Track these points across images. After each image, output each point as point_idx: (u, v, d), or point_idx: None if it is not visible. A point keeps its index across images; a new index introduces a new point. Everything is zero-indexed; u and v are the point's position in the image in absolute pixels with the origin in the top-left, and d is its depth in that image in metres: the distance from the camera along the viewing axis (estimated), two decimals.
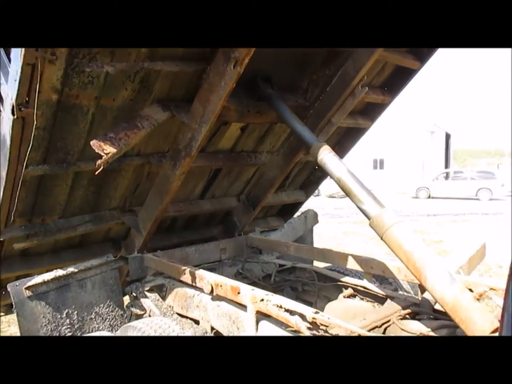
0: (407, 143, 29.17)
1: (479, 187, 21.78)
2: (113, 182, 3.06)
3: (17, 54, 1.96)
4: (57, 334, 2.91)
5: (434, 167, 32.46)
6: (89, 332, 3.04)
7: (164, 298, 3.10)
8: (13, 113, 2.10)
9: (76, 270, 3.00)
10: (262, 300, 2.26)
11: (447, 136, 39.05)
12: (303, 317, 2.07)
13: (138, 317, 3.15)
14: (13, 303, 2.76)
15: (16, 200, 2.51)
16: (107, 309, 3.19)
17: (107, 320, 3.19)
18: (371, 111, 3.87)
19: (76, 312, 3.01)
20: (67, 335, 2.95)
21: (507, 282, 1.03)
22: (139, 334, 2.47)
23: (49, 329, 2.88)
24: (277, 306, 2.17)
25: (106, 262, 3.18)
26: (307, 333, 2.03)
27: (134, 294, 3.27)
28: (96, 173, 2.26)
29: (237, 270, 3.53)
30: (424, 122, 30.33)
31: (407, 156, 29.60)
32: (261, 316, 2.34)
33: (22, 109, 2.08)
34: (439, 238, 10.44)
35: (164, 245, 3.76)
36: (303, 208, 4.77)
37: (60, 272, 2.93)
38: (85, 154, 2.68)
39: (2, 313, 3.73)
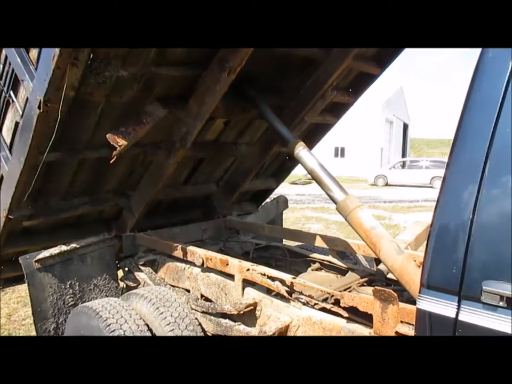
0: (367, 133, 30.21)
1: (433, 175, 23.05)
2: (111, 168, 3.42)
3: (47, 57, 2.31)
4: (62, 302, 3.29)
5: (392, 155, 33.84)
6: (88, 301, 3.43)
7: (156, 271, 3.53)
8: (39, 108, 2.45)
9: (78, 246, 3.37)
10: (248, 269, 2.74)
11: (405, 126, 40.59)
12: (282, 281, 2.57)
13: (131, 288, 3.56)
14: (24, 274, 3.11)
15: (32, 183, 2.86)
16: (104, 281, 3.58)
17: (103, 291, 3.58)
18: (337, 110, 4.38)
19: (77, 283, 3.39)
20: (70, 303, 3.33)
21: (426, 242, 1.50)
22: (142, 300, 2.89)
23: (55, 298, 3.25)
24: (261, 274, 2.66)
25: (103, 239, 3.56)
26: (286, 294, 2.53)
27: (127, 268, 3.69)
28: (111, 161, 2.66)
29: (219, 247, 3.99)
30: (383, 113, 31.46)
31: (366, 145, 30.69)
32: (246, 283, 2.83)
33: (48, 104, 2.44)
34: (394, 222, 11.26)
35: (148, 226, 4.16)
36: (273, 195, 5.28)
37: (64, 248, 3.30)
38: (91, 143, 3.05)
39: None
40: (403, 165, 25.57)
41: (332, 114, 4.40)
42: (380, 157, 31.79)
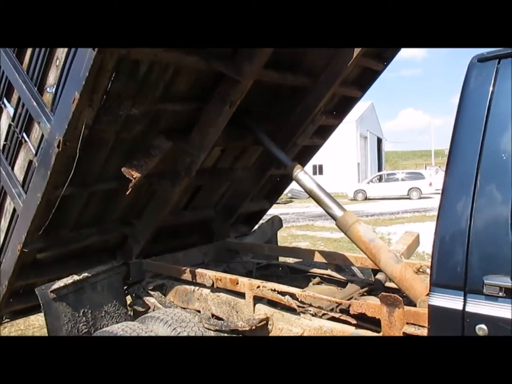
0: (343, 149, 30.90)
1: (410, 187, 23.76)
2: (118, 198, 3.59)
3: (67, 101, 2.51)
4: (76, 330, 3.40)
5: (369, 170, 34.60)
6: (100, 328, 3.55)
7: (165, 295, 3.67)
8: (58, 147, 2.63)
9: (89, 275, 3.50)
10: (258, 286, 2.93)
11: (379, 141, 41.64)
12: (292, 295, 2.77)
13: (139, 313, 3.69)
14: (41, 304, 3.23)
15: (49, 217, 3.00)
16: (114, 308, 3.71)
17: (114, 317, 3.70)
18: (324, 132, 4.66)
19: (90, 311, 3.51)
20: (83, 331, 3.45)
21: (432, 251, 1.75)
22: (158, 322, 3.03)
23: (70, 326, 3.36)
24: (272, 290, 2.86)
25: (112, 267, 3.70)
26: (296, 308, 2.73)
27: (135, 294, 3.83)
28: (127, 193, 2.84)
29: (223, 269, 4.16)
30: (358, 129, 32.28)
31: (343, 161, 31.37)
32: (256, 300, 3.01)
33: (67, 143, 2.62)
34: (379, 236, 11.58)
35: (152, 252, 4.31)
36: None
37: (76, 277, 3.43)
38: (101, 177, 3.23)
39: (7, 319, 4.12)
40: (380, 179, 26.25)
41: (319, 136, 4.67)
42: (357, 171, 32.51)
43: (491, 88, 1.65)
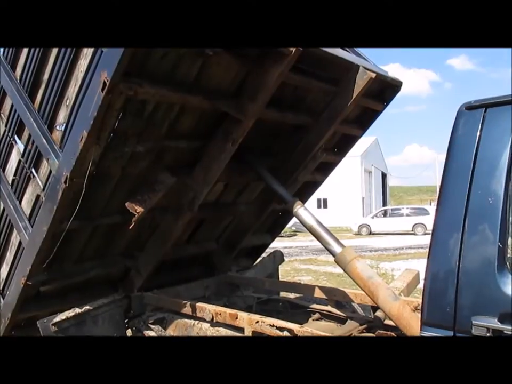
0: (348, 183, 31.03)
1: (415, 222, 23.67)
2: (121, 232, 3.66)
3: (75, 139, 2.62)
4: None
5: (373, 204, 34.60)
6: None
7: (165, 329, 3.68)
8: (65, 183, 2.72)
9: (91, 308, 3.53)
10: (257, 321, 2.95)
11: (383, 176, 41.79)
12: (291, 331, 2.79)
13: None
14: None
15: (54, 251, 3.07)
16: None
17: None
18: (325, 168, 4.75)
19: None
20: None
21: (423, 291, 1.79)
22: None
23: None
24: (270, 325, 2.88)
25: (113, 300, 3.73)
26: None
27: (136, 327, 3.84)
28: (130, 227, 2.91)
29: (223, 303, 4.17)
30: (362, 163, 32.51)
31: (348, 195, 31.45)
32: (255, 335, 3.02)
33: (74, 179, 2.72)
34: (382, 271, 11.51)
35: (153, 285, 4.34)
36: None
37: (77, 310, 3.46)
38: (105, 211, 3.31)
39: None
40: (385, 213, 26.22)
41: (321, 172, 4.76)
42: (362, 206, 32.53)
43: (478, 134, 1.73)
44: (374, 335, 3.14)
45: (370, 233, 24.72)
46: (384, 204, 39.59)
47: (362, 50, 4.03)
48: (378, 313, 3.45)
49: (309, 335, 2.74)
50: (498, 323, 1.53)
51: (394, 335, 2.25)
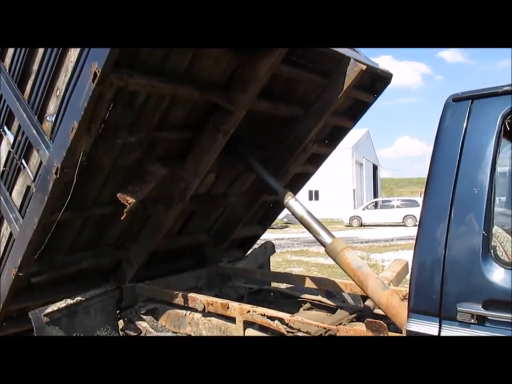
0: (339, 175, 31.14)
1: (405, 214, 23.85)
2: (112, 223, 3.67)
3: (65, 129, 2.61)
4: None
5: (364, 196, 34.79)
6: None
7: (157, 319, 3.71)
8: (56, 173, 2.72)
9: (83, 299, 3.54)
10: (249, 311, 2.99)
11: (374, 168, 41.97)
12: (281, 320, 2.83)
13: None
14: (34, 328, 3.26)
15: (45, 242, 3.07)
16: (106, 332, 3.72)
17: None
18: (316, 160, 4.78)
19: (82, 335, 3.53)
20: None
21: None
22: None
23: None
24: (261, 314, 2.91)
25: (105, 291, 3.74)
26: (285, 333, 2.78)
27: (128, 318, 3.86)
28: (122, 218, 2.92)
29: (214, 293, 4.20)
30: (353, 155, 32.62)
31: (339, 187, 31.56)
32: (247, 324, 3.06)
33: (65, 170, 2.72)
34: (373, 262, 11.62)
35: (145, 276, 4.36)
36: None
37: (69, 301, 3.47)
38: (97, 202, 3.32)
39: None
40: (376, 205, 26.39)
41: (312, 164, 4.79)
42: (353, 198, 32.67)
43: (464, 126, 1.76)
44: (363, 324, 3.19)
45: (361, 225, 24.88)
46: (375, 195, 39.79)
47: None
48: (368, 303, 3.50)
49: (301, 331, 2.75)
50: (483, 309, 1.58)
51: (383, 323, 2.29)
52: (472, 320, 1.57)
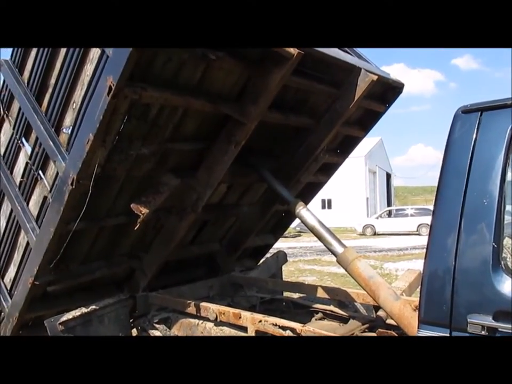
0: (352, 183, 31.02)
1: (419, 223, 23.59)
2: (126, 233, 3.72)
3: (81, 141, 2.68)
4: None
5: (378, 205, 34.56)
6: None
7: (170, 328, 3.74)
8: (72, 184, 2.79)
9: (97, 308, 3.59)
10: (260, 320, 3.00)
11: (388, 176, 41.72)
12: (293, 330, 2.84)
13: None
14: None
15: (61, 251, 3.13)
16: None
17: None
18: (328, 169, 4.79)
19: None
20: None
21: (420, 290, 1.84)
22: None
23: None
24: (273, 324, 2.93)
25: (119, 300, 3.79)
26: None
27: (141, 327, 3.89)
28: (135, 228, 2.97)
29: (227, 303, 4.22)
30: (366, 164, 32.49)
31: (352, 195, 31.43)
32: (259, 334, 3.07)
33: (80, 181, 2.78)
34: (386, 271, 11.53)
35: (158, 285, 4.40)
36: None
37: (84, 310, 3.52)
38: (111, 212, 3.37)
39: None
40: (389, 214, 26.19)
41: (323, 173, 4.80)
42: (366, 206, 32.49)
43: (474, 137, 1.77)
44: (375, 335, 3.18)
45: (375, 233, 24.69)
46: (389, 204, 39.51)
47: (365, 52, 4.08)
48: (381, 313, 3.49)
49: (311, 335, 2.79)
50: (493, 321, 1.58)
51: (395, 334, 2.28)
52: (483, 332, 1.57)
